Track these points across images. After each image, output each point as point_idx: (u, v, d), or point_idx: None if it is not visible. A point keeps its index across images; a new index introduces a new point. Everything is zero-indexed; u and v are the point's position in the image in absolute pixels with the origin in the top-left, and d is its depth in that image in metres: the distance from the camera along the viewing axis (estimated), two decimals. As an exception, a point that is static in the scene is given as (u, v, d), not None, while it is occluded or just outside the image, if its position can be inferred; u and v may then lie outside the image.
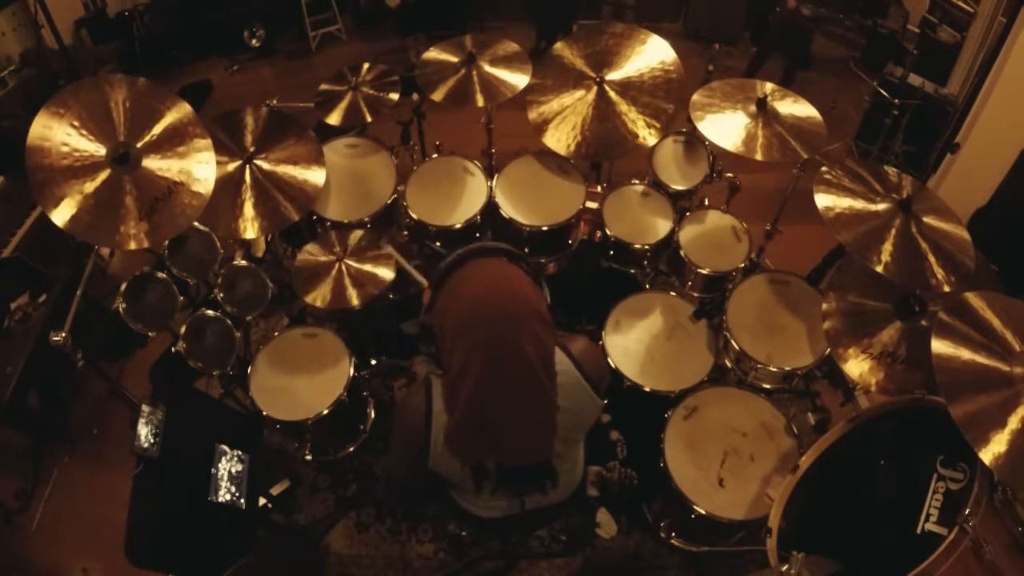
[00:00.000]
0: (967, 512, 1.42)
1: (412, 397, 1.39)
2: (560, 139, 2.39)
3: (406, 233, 2.68)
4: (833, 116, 4.00)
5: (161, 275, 2.25)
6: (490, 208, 2.54)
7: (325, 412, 2.08)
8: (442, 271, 1.37)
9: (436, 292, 1.38)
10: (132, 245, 1.77)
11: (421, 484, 1.53)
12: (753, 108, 2.26)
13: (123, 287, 2.13)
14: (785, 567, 1.43)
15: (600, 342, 2.21)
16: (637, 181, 2.67)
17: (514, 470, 1.38)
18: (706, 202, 2.69)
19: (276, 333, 2.29)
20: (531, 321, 1.29)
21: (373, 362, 2.50)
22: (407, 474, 1.48)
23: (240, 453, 1.89)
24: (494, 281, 1.33)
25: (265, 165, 2.20)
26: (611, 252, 2.58)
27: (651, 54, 2.42)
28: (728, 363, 2.28)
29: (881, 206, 1.85)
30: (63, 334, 1.90)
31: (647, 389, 2.11)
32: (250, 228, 2.12)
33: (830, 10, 4.72)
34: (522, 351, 1.26)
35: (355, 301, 2.14)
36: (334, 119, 2.58)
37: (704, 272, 2.42)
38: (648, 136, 2.33)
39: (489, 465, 1.36)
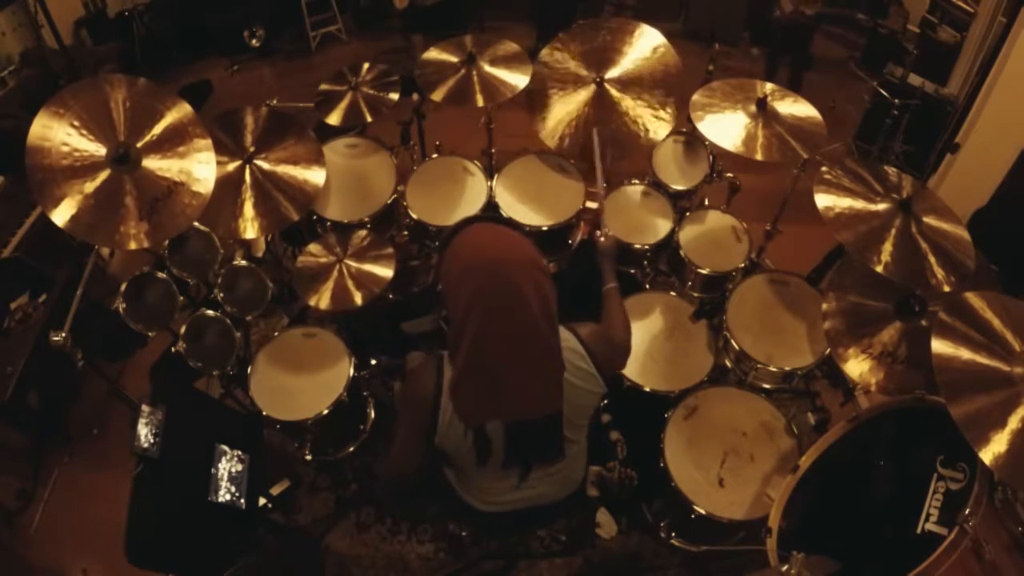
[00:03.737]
0: (967, 512, 1.42)
1: (422, 369, 1.39)
2: (556, 134, 2.39)
3: (406, 233, 2.68)
4: (833, 116, 4.00)
5: (161, 275, 2.24)
6: (490, 208, 2.54)
7: (325, 412, 2.08)
8: (447, 235, 1.39)
9: (441, 254, 1.39)
10: (132, 245, 1.77)
11: (423, 473, 1.51)
12: (753, 108, 2.26)
13: (123, 287, 2.13)
14: (785, 567, 1.43)
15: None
16: (637, 181, 2.67)
17: (521, 436, 1.36)
18: (706, 202, 2.69)
19: (276, 333, 2.29)
20: (532, 270, 1.29)
21: (373, 362, 2.50)
22: (412, 457, 1.45)
23: (240, 453, 1.89)
24: (496, 235, 1.35)
25: (265, 165, 2.19)
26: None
27: (644, 46, 2.41)
28: (728, 363, 2.28)
29: (881, 206, 1.85)
30: (63, 334, 1.90)
31: (647, 389, 2.11)
32: (250, 228, 2.11)
33: (835, 7, 4.71)
34: (524, 298, 1.25)
35: (357, 302, 2.14)
36: (334, 119, 2.57)
37: (704, 272, 2.42)
38: (655, 132, 2.33)
39: (493, 434, 1.34)
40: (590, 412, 1.48)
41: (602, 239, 1.88)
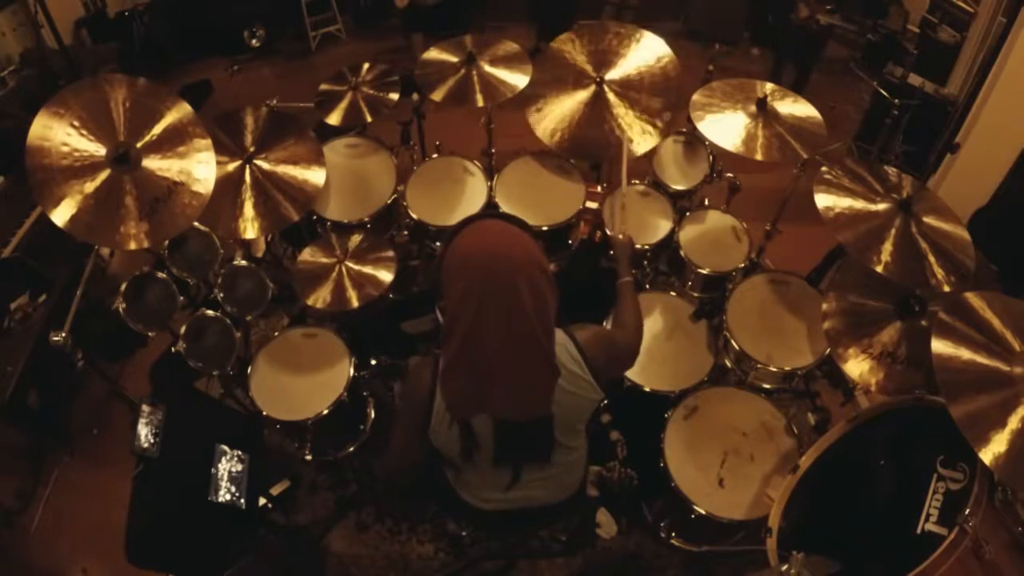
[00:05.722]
0: (967, 512, 1.42)
1: (419, 368, 1.39)
2: (551, 132, 2.40)
3: (406, 233, 2.68)
4: (833, 116, 4.00)
5: (161, 275, 2.24)
6: (490, 208, 2.54)
7: (325, 412, 2.08)
8: (451, 232, 1.38)
9: (446, 245, 1.39)
10: (132, 245, 1.77)
11: (420, 472, 1.51)
12: (753, 108, 2.26)
13: (123, 287, 2.13)
14: (785, 567, 1.43)
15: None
16: (637, 181, 2.67)
17: (509, 434, 1.35)
18: (706, 202, 2.69)
19: (276, 333, 2.29)
20: (531, 269, 1.28)
21: (373, 362, 2.50)
22: (408, 455, 1.46)
23: (240, 453, 1.89)
24: (500, 231, 1.34)
25: (265, 165, 2.19)
26: (611, 252, 2.57)
27: (647, 53, 2.41)
28: (728, 363, 2.28)
29: (881, 206, 1.85)
30: (63, 334, 1.90)
31: (647, 389, 2.11)
32: (250, 228, 2.12)
33: (843, 14, 4.70)
34: (518, 296, 1.24)
35: (355, 303, 2.14)
36: (334, 119, 2.58)
37: (704, 272, 2.42)
38: (642, 142, 2.33)
39: (480, 430, 1.34)
40: (586, 417, 1.47)
41: (619, 236, 1.89)
